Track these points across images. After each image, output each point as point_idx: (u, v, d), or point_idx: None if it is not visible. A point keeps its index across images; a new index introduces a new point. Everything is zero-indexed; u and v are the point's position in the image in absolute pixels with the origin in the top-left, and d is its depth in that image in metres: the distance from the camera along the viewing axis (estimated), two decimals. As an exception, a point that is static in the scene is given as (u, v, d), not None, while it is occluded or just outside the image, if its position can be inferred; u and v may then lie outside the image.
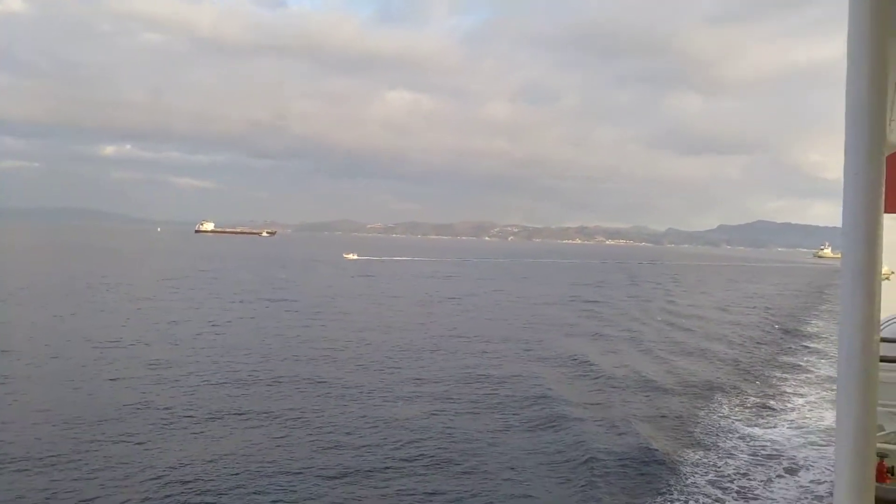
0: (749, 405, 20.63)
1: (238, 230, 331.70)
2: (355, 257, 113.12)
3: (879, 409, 6.48)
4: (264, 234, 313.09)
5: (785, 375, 25.50)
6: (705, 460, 15.14)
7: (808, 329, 40.88)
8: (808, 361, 28.82)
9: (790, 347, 33.17)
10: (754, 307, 54.50)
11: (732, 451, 15.84)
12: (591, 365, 25.56)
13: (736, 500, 12.94)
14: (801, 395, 22.05)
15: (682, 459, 15.13)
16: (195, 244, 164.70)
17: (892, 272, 9.71)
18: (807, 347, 33.30)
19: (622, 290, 67.76)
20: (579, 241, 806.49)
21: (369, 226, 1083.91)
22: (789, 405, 20.83)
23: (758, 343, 34.18)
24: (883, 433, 6.72)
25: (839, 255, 1.61)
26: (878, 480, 5.34)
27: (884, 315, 7.73)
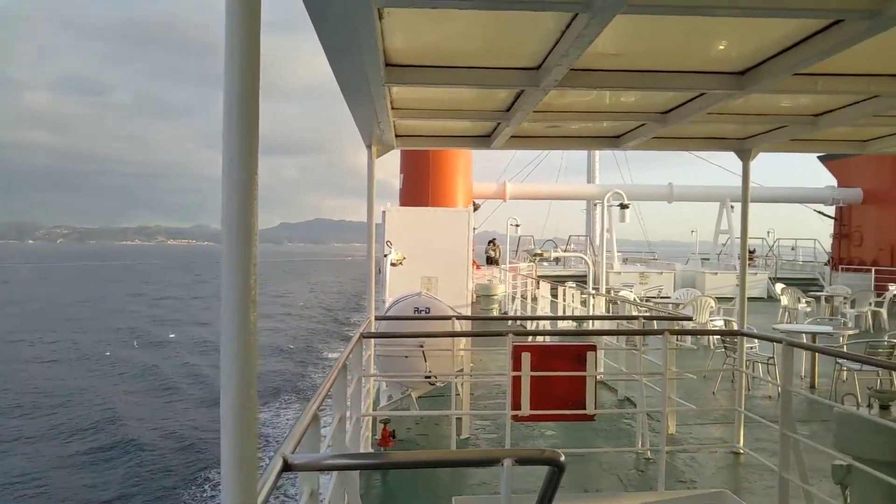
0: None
1: None
2: None
3: (390, 380, 7.27)
4: None
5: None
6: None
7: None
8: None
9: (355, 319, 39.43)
10: (317, 293, 60.67)
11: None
12: (131, 364, 26.00)
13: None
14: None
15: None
16: None
17: (405, 258, 11.04)
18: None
19: (182, 291, 66.18)
20: (139, 242, 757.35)
21: None
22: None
23: (325, 319, 39.91)
24: (391, 402, 7.26)
25: None
26: (381, 445, 6.12)
27: (396, 295, 8.88)
